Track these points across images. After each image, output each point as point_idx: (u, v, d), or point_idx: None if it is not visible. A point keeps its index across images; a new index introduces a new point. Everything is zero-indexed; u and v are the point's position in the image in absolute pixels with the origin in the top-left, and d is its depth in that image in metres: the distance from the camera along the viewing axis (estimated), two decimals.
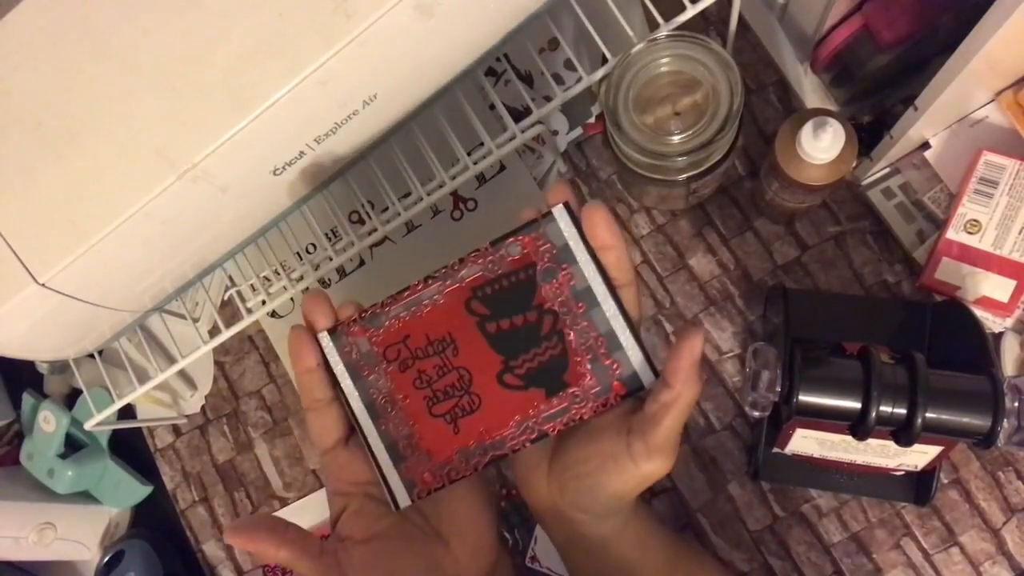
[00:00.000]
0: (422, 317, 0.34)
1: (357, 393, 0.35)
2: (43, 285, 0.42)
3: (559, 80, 0.63)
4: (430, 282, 0.34)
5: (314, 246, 0.66)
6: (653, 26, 0.51)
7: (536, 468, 0.37)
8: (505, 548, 0.58)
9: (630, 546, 0.38)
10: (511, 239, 0.34)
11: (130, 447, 0.72)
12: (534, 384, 0.34)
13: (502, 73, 0.64)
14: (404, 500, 0.35)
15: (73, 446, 0.69)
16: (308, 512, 0.68)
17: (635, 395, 0.34)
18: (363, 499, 0.36)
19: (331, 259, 0.56)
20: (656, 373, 0.34)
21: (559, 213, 0.33)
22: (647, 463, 0.33)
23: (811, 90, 0.61)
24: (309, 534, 0.34)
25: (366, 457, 0.35)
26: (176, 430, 0.72)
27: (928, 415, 0.45)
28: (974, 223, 0.56)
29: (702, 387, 0.34)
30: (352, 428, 0.36)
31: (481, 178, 0.66)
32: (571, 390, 0.34)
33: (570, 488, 0.35)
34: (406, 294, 0.35)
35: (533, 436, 0.34)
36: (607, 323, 0.33)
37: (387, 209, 0.56)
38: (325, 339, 0.35)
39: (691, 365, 0.32)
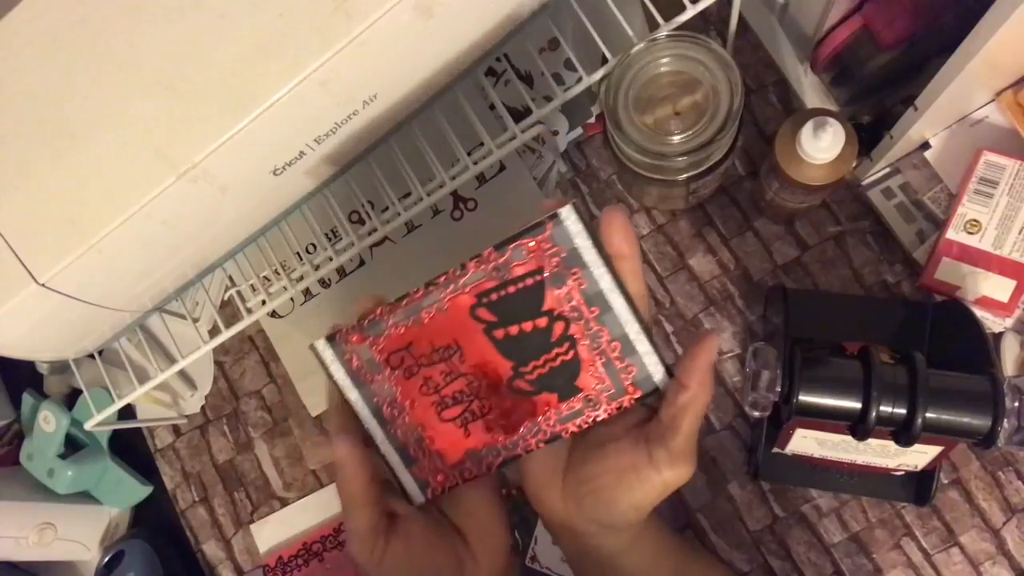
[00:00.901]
0: (424, 324, 0.34)
1: (362, 400, 0.35)
2: (43, 285, 0.42)
3: (559, 80, 0.63)
4: (431, 289, 0.33)
5: (314, 246, 0.66)
6: (653, 26, 0.51)
7: (550, 483, 0.36)
8: (514, 553, 0.58)
9: (643, 556, 0.38)
10: (515, 243, 0.32)
11: (130, 447, 0.72)
12: (545, 389, 0.34)
13: (502, 73, 0.64)
14: (418, 498, 0.36)
15: (73, 446, 0.69)
16: (308, 512, 0.68)
17: (651, 397, 0.33)
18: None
19: (331, 259, 0.56)
20: (671, 375, 0.33)
21: (567, 215, 0.32)
22: (670, 470, 0.32)
23: (811, 90, 0.61)
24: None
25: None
26: (176, 430, 0.72)
27: (928, 415, 0.45)
28: (974, 223, 0.56)
29: (714, 390, 0.34)
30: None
31: (481, 178, 0.66)
32: (584, 394, 0.34)
33: (587, 502, 0.35)
34: (405, 301, 0.34)
35: (546, 438, 0.34)
36: (620, 327, 0.33)
37: (387, 209, 0.56)
38: (323, 347, 0.34)
39: (707, 366, 0.32)
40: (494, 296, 0.33)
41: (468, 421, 0.35)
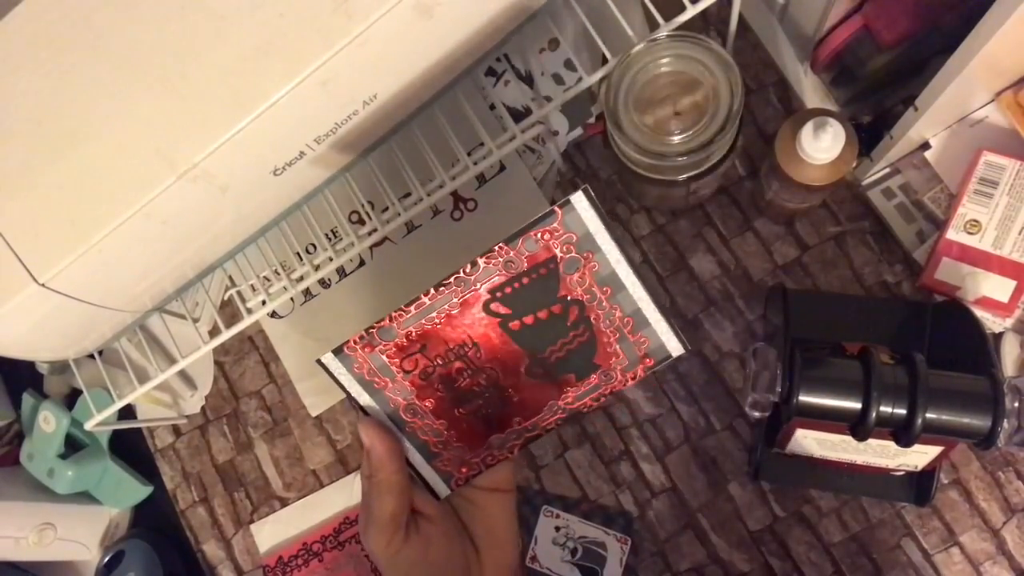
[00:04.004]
0: (437, 325, 0.34)
1: (377, 405, 0.35)
2: (43, 285, 0.42)
3: (559, 80, 0.63)
4: (441, 290, 0.34)
5: (314, 246, 0.66)
6: (653, 26, 0.51)
7: None
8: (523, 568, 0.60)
9: None
10: (526, 234, 0.33)
11: (130, 447, 0.72)
12: (563, 371, 0.35)
13: (502, 73, 0.64)
14: (443, 491, 0.36)
15: (73, 446, 0.69)
16: (308, 512, 0.68)
17: (663, 364, 0.35)
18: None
19: (331, 259, 0.56)
20: (683, 342, 0.34)
21: (578, 200, 0.32)
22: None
23: (811, 90, 0.61)
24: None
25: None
26: (176, 430, 0.72)
27: (928, 415, 0.45)
28: (974, 223, 0.56)
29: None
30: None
31: (481, 178, 0.66)
32: (601, 370, 0.35)
33: None
34: (415, 305, 0.34)
35: (565, 416, 0.35)
36: (633, 303, 0.34)
37: (387, 209, 0.56)
38: (331, 359, 0.35)
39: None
40: (508, 290, 0.34)
41: (488, 412, 0.35)
